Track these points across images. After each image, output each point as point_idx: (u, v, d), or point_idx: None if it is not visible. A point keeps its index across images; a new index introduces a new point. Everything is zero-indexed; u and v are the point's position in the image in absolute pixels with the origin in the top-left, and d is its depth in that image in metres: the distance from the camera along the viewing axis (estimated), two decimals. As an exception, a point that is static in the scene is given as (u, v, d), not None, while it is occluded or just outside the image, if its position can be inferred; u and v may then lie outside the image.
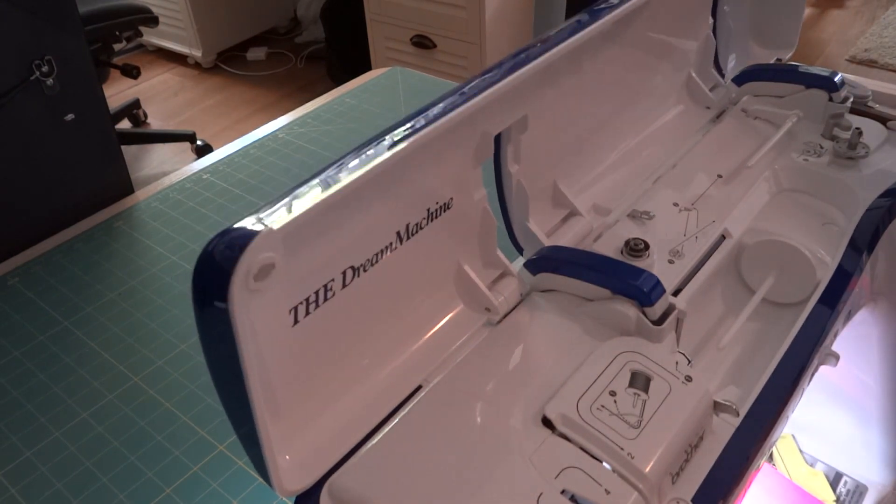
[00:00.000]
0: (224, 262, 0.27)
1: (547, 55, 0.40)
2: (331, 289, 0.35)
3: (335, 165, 0.31)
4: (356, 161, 0.31)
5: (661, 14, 0.54)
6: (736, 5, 0.64)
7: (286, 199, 0.29)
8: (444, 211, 0.40)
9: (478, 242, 0.44)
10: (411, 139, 0.33)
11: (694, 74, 0.60)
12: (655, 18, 0.54)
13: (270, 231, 0.27)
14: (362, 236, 0.36)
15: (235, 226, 0.28)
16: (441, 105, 0.35)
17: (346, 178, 0.30)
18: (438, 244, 0.41)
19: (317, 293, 0.34)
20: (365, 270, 0.36)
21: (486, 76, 0.38)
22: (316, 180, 0.30)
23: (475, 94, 0.36)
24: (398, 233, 0.38)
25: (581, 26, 0.43)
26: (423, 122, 0.34)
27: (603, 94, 0.52)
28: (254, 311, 0.30)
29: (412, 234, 0.39)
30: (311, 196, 0.29)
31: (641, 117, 0.57)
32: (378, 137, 0.33)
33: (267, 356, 0.32)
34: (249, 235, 0.27)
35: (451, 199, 0.41)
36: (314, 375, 0.36)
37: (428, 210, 0.39)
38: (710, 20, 0.61)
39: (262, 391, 0.31)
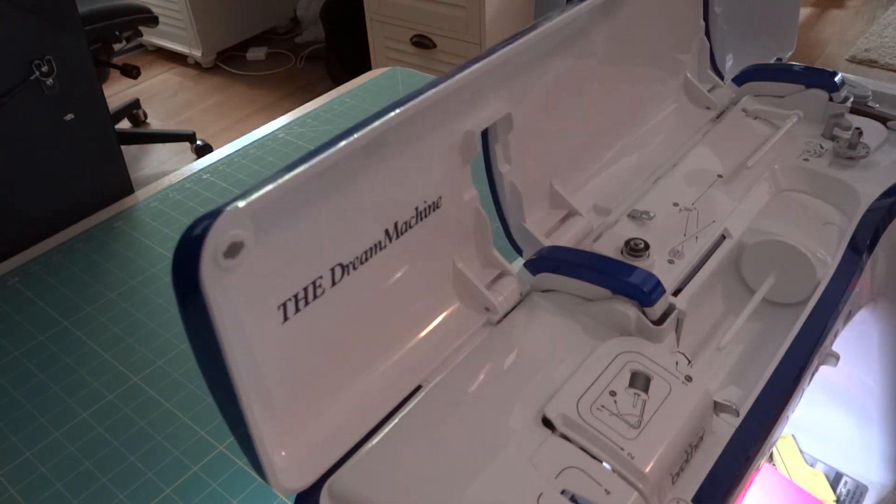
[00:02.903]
0: (193, 241, 0.27)
1: (521, 41, 0.40)
2: (320, 286, 0.35)
3: (316, 149, 0.32)
4: (333, 142, 0.32)
5: (649, 15, 0.54)
6: (728, 7, 0.64)
7: (264, 181, 0.30)
8: (434, 210, 0.40)
9: (473, 242, 0.44)
10: (384, 119, 0.33)
11: (690, 76, 0.60)
12: (644, 19, 0.54)
13: (236, 208, 0.28)
14: (347, 232, 0.36)
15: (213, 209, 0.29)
16: (421, 91, 0.36)
17: (317, 157, 0.31)
18: (431, 244, 0.41)
19: (305, 290, 0.34)
20: (354, 269, 0.36)
21: (465, 64, 0.38)
22: (297, 165, 0.31)
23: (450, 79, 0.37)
24: (386, 231, 0.38)
25: (560, 14, 0.43)
26: (400, 105, 0.34)
27: (596, 94, 0.52)
28: (233, 297, 0.30)
29: (402, 233, 0.39)
30: (283, 175, 0.30)
31: (639, 119, 0.57)
32: (360, 123, 0.33)
33: (256, 352, 0.32)
34: (217, 213, 0.28)
35: (440, 197, 0.40)
36: (310, 374, 0.36)
37: (416, 209, 0.39)
38: (703, 23, 0.61)
39: (251, 384, 0.31)
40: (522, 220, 0.46)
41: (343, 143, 0.32)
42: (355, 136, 0.32)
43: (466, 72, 0.37)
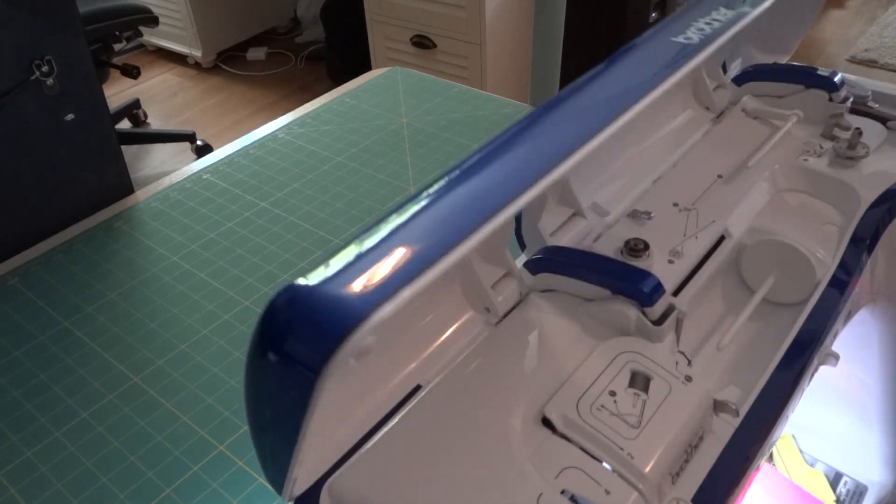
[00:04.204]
0: (330, 326, 0.23)
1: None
2: None
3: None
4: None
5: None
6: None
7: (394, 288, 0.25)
8: None
9: (488, 240, 0.43)
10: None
11: (705, 74, 0.60)
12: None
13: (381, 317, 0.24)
14: None
15: (339, 285, 0.24)
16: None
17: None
18: None
19: None
20: None
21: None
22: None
23: None
24: None
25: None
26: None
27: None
28: (334, 389, 0.27)
29: None
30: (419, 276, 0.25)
31: (639, 117, 0.57)
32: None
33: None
34: (357, 318, 0.23)
35: None
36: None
37: None
38: None
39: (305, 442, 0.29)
40: (537, 219, 0.46)
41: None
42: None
43: None
